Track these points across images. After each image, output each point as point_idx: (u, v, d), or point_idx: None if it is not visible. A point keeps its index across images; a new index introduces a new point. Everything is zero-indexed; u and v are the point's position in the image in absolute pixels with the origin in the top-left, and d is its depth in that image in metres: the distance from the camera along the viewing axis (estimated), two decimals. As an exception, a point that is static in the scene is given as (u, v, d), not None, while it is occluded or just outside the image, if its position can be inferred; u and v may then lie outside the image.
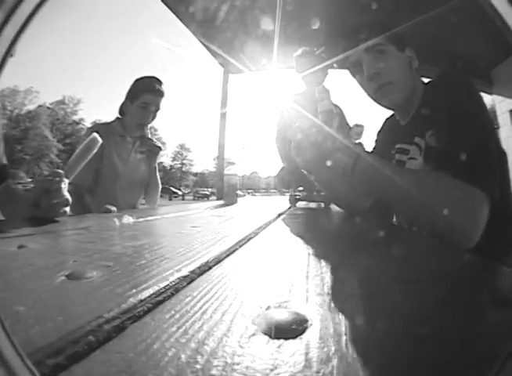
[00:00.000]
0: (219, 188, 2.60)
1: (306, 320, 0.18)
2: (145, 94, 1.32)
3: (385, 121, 1.02)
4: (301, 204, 1.46)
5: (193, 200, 25.26)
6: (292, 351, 0.15)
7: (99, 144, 0.71)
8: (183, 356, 0.14)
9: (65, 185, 0.65)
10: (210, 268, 0.30)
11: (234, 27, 2.31)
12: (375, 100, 0.85)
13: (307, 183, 1.35)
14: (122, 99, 1.38)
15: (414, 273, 0.31)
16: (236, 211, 1.07)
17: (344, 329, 0.17)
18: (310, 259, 0.34)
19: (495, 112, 3.34)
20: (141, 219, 0.69)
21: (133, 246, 0.38)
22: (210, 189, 29.98)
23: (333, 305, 0.21)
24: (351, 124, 1.18)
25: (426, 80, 0.86)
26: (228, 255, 0.36)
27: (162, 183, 1.49)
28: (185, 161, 49.91)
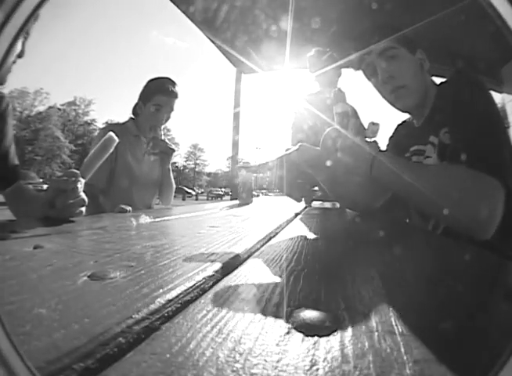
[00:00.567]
0: (234, 188, 2.60)
1: (338, 318, 0.18)
2: (157, 95, 1.30)
3: (397, 127, 1.04)
4: (315, 203, 1.46)
5: (207, 200, 25.46)
6: (328, 347, 0.15)
7: (116, 143, 0.69)
8: (221, 355, 0.14)
9: (81, 185, 0.64)
10: (235, 268, 0.30)
11: (246, 27, 2.32)
12: (390, 103, 0.87)
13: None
14: (135, 99, 1.37)
15: (435, 273, 0.31)
16: (253, 210, 1.06)
17: (374, 325, 0.17)
18: (333, 257, 0.34)
19: (506, 111, 3.24)
20: (158, 219, 0.68)
21: (153, 246, 0.37)
22: (223, 189, 30.17)
23: (362, 302, 0.21)
24: (366, 123, 1.17)
25: (436, 79, 0.88)
26: (250, 255, 0.36)
27: (175, 183, 1.47)
28: (198, 161, 50.31)
